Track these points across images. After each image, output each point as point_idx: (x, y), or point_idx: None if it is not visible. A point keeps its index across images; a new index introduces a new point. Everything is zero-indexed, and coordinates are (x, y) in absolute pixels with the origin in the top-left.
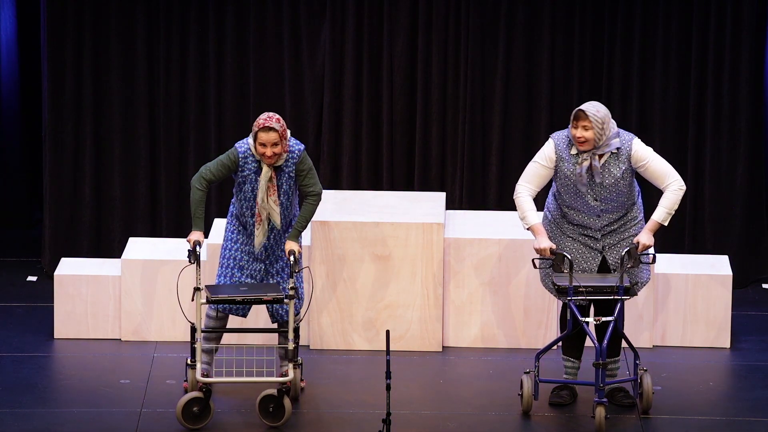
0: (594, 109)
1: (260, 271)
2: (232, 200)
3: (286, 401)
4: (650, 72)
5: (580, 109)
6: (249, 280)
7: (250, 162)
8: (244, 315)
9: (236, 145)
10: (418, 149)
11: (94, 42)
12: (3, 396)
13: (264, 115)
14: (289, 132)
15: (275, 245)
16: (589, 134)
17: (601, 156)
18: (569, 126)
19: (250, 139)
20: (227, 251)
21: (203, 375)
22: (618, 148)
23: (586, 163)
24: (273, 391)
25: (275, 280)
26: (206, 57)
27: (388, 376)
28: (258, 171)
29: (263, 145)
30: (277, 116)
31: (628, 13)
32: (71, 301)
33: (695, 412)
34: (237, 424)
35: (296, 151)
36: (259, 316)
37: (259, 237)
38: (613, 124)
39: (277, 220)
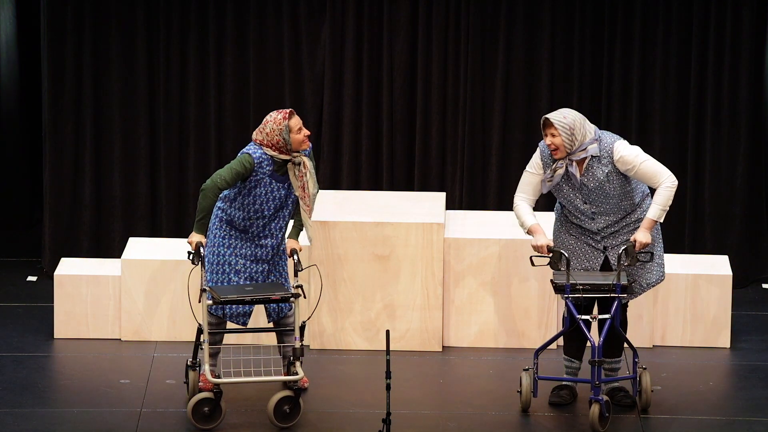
0: (560, 115)
1: (263, 272)
2: (218, 205)
3: (301, 401)
4: (650, 72)
5: (545, 117)
6: (248, 282)
7: (265, 166)
8: (244, 324)
9: (247, 151)
10: (418, 149)
11: (94, 42)
12: (3, 396)
13: (275, 112)
14: None
15: (282, 243)
16: (557, 141)
17: (581, 162)
18: None
19: (281, 137)
20: (220, 257)
21: (213, 376)
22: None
23: (560, 171)
24: (288, 392)
25: (272, 278)
26: (206, 56)
27: (388, 376)
28: (272, 174)
29: (300, 129)
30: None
31: (628, 13)
32: (71, 301)
33: (695, 411)
34: (238, 425)
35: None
36: (261, 315)
37: (310, 230)
38: (589, 128)
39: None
